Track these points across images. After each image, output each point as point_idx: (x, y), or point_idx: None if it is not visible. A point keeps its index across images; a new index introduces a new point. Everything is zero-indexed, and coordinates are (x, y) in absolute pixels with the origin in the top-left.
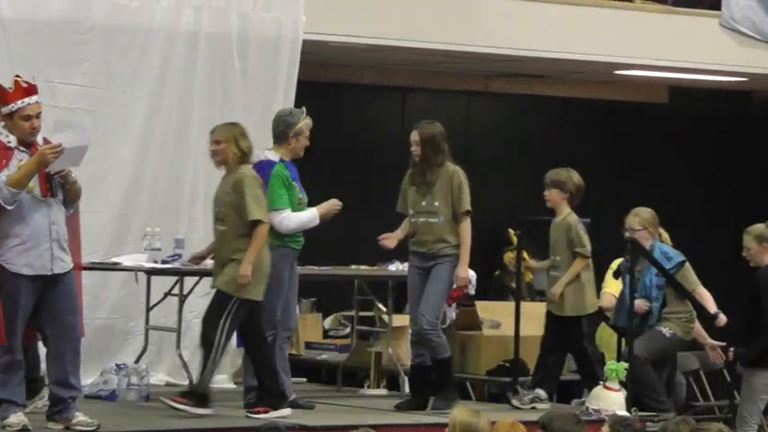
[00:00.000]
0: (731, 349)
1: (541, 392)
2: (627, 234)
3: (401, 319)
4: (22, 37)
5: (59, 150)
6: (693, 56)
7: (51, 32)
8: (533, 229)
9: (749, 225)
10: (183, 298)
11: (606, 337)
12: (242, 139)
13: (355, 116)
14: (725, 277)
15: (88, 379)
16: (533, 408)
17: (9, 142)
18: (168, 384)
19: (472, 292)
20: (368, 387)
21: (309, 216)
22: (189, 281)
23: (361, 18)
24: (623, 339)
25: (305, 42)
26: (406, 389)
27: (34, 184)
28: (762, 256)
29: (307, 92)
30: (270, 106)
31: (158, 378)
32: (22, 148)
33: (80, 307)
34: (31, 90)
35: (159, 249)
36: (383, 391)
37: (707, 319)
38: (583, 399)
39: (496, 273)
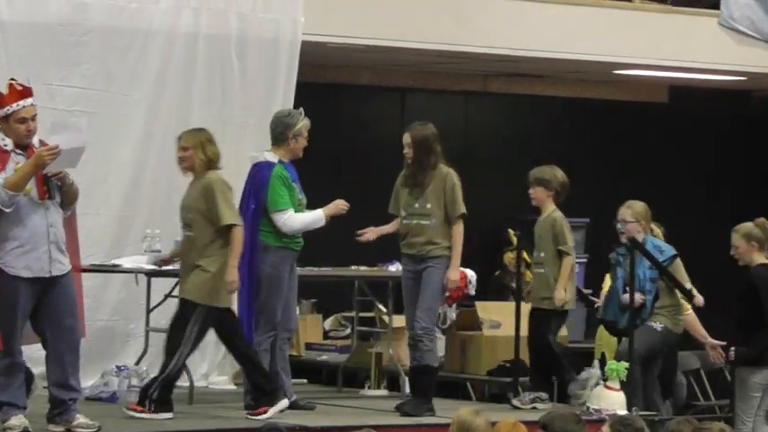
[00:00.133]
0: (732, 349)
1: (542, 393)
2: (618, 226)
3: (401, 320)
4: (20, 39)
5: (56, 152)
6: (693, 55)
7: (50, 34)
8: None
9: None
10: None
11: (606, 336)
12: (209, 146)
13: (354, 117)
14: (725, 277)
15: (89, 381)
16: (534, 408)
17: (5, 145)
18: None
19: (472, 292)
20: (368, 388)
21: (315, 217)
22: None
23: (359, 19)
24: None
25: (303, 43)
26: (407, 389)
27: (31, 186)
28: (750, 255)
29: (306, 93)
30: (269, 107)
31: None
32: (18, 151)
33: (80, 309)
34: (25, 93)
35: (159, 251)
36: (384, 392)
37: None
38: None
39: (496, 273)
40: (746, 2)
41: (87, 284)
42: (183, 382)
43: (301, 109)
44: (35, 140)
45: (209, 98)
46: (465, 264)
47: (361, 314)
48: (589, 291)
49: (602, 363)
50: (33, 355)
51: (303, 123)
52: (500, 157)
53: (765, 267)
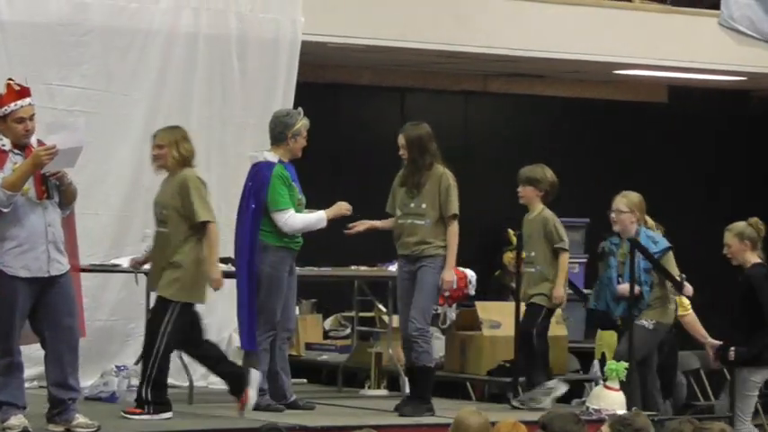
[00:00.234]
0: (732, 349)
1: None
2: (612, 215)
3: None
4: (20, 39)
5: (54, 152)
6: (693, 55)
7: (50, 34)
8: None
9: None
10: None
11: (607, 336)
12: (183, 143)
13: (354, 117)
14: (725, 277)
15: (88, 381)
16: (534, 408)
17: (3, 145)
18: (169, 386)
19: (472, 292)
20: (368, 388)
21: (316, 218)
22: None
23: (359, 19)
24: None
25: (303, 43)
26: (407, 389)
27: (29, 186)
28: (743, 254)
29: (305, 93)
30: (269, 107)
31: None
32: (16, 151)
33: (79, 308)
34: (23, 92)
35: None
36: (384, 392)
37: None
38: (583, 398)
39: (496, 273)
40: (746, 2)
41: (87, 284)
42: (182, 381)
43: (300, 109)
44: (33, 140)
45: (209, 98)
46: (465, 264)
47: (361, 314)
48: (589, 291)
49: (602, 363)
50: (33, 354)
51: (302, 123)
52: (500, 157)
53: (761, 267)
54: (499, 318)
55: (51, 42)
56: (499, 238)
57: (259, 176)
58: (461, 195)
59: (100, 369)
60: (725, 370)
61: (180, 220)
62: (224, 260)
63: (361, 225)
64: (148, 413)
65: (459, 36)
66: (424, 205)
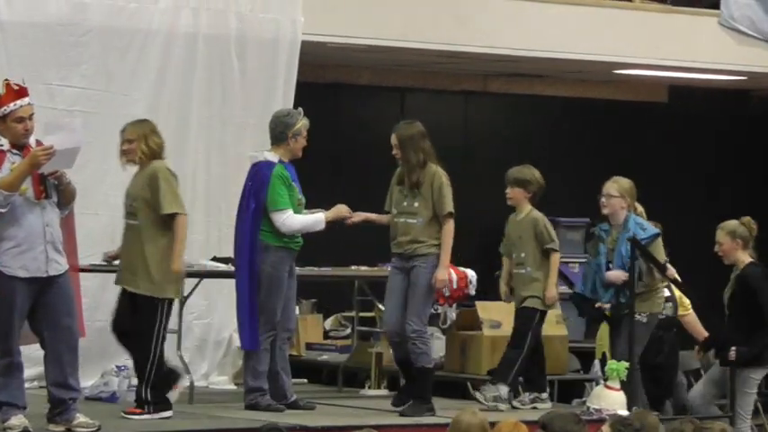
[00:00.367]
0: (733, 348)
1: (543, 394)
2: (603, 200)
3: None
4: (20, 39)
5: (51, 152)
6: (693, 55)
7: (49, 35)
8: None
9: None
10: (183, 299)
11: (607, 336)
12: (152, 136)
13: (354, 117)
14: (725, 277)
15: (89, 381)
16: (534, 408)
17: (1, 145)
18: None
19: (472, 292)
20: (369, 388)
21: (315, 219)
22: (189, 282)
23: (359, 19)
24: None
25: (303, 43)
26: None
27: (27, 186)
28: (734, 253)
29: (305, 92)
30: (269, 107)
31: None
32: (14, 151)
33: (78, 308)
34: (22, 92)
35: None
36: (384, 392)
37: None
38: (584, 398)
39: (496, 273)
40: (746, 2)
41: (86, 284)
42: (183, 382)
43: (300, 109)
44: (32, 140)
45: (208, 98)
46: (465, 264)
47: (362, 314)
48: None
49: (603, 362)
50: (32, 355)
51: (302, 123)
52: (500, 157)
53: (756, 266)
54: (499, 318)
55: (51, 42)
56: (499, 237)
57: (259, 176)
58: (462, 195)
59: (100, 369)
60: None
61: (150, 212)
62: (224, 260)
63: (358, 217)
64: (148, 413)
65: (459, 36)
66: (416, 204)
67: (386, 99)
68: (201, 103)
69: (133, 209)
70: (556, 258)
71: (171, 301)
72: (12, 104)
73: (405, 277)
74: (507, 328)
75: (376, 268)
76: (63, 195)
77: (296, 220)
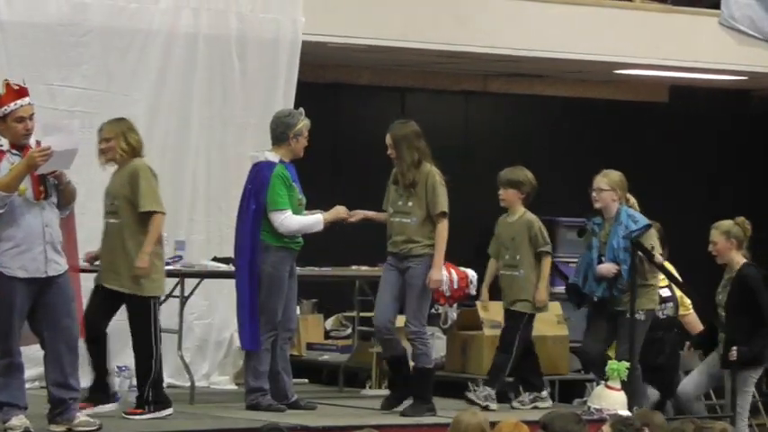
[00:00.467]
0: (734, 348)
1: (543, 393)
2: (594, 194)
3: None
4: (20, 40)
5: (48, 153)
6: (693, 55)
7: (50, 35)
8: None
9: (751, 223)
10: (183, 299)
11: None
12: (130, 134)
13: (354, 117)
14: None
15: (90, 381)
16: (535, 407)
17: (1, 146)
18: (170, 386)
19: (473, 292)
20: (369, 387)
21: (313, 220)
22: (190, 282)
23: (359, 19)
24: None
25: (304, 43)
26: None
27: (26, 186)
28: (728, 253)
29: (306, 92)
30: (269, 107)
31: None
32: (14, 152)
33: (78, 309)
34: (22, 92)
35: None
36: (385, 392)
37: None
38: (585, 398)
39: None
40: (747, 1)
41: (87, 285)
42: (183, 382)
43: (302, 109)
44: (32, 141)
45: (209, 98)
46: (465, 264)
47: (362, 314)
48: None
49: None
50: (33, 355)
51: (304, 123)
52: (500, 157)
53: (752, 267)
54: (500, 318)
55: (51, 43)
56: None
57: (260, 176)
58: (461, 195)
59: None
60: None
61: (132, 209)
62: (225, 260)
63: (357, 215)
64: (150, 412)
65: (460, 36)
66: (410, 203)
67: (386, 99)
68: (202, 103)
69: (114, 207)
70: (548, 262)
71: (157, 299)
72: (12, 104)
73: (399, 275)
74: None
75: (377, 268)
76: (63, 196)
77: (294, 220)
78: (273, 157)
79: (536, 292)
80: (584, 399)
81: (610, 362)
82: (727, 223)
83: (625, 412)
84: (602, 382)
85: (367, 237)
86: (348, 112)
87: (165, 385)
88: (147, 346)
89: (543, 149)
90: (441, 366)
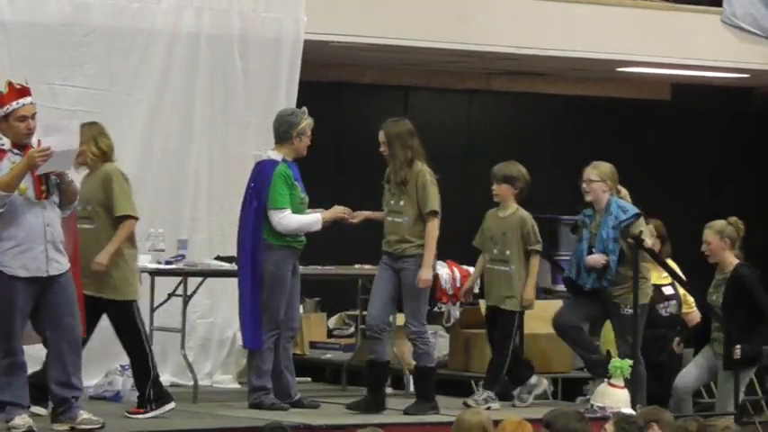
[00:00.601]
0: (737, 347)
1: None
2: (584, 185)
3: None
4: (22, 39)
5: (47, 154)
6: (695, 53)
7: (52, 35)
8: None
9: (752, 222)
10: (186, 298)
11: (610, 334)
12: (101, 138)
13: (357, 115)
14: None
15: (93, 380)
16: (488, 408)
17: (2, 145)
18: (173, 385)
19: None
20: None
21: (312, 220)
22: (192, 281)
23: (362, 17)
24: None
25: (306, 42)
26: (411, 388)
27: (27, 185)
28: (722, 253)
29: (308, 91)
30: (272, 106)
31: (163, 378)
32: (15, 151)
33: (80, 308)
34: (24, 92)
35: (163, 250)
36: (388, 390)
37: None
38: (588, 396)
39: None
40: None
41: None
42: (186, 381)
43: (305, 108)
44: (34, 140)
45: (211, 97)
46: (469, 262)
47: (365, 312)
48: None
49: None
50: (36, 354)
51: (307, 122)
52: (503, 155)
53: (746, 267)
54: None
55: (53, 43)
56: None
57: (262, 175)
58: (464, 193)
59: (104, 368)
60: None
61: (107, 214)
62: (227, 259)
63: (359, 216)
64: (152, 410)
65: (462, 35)
66: (402, 203)
67: (389, 98)
68: (204, 102)
69: (87, 212)
70: (537, 261)
71: (135, 302)
72: (14, 103)
73: (394, 274)
74: None
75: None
76: (65, 195)
77: (293, 219)
78: (276, 155)
79: (524, 291)
80: (588, 397)
81: (613, 359)
82: (720, 223)
83: (628, 410)
84: (606, 379)
85: (370, 235)
86: (351, 111)
87: (164, 381)
88: (138, 347)
89: (546, 147)
90: (444, 365)
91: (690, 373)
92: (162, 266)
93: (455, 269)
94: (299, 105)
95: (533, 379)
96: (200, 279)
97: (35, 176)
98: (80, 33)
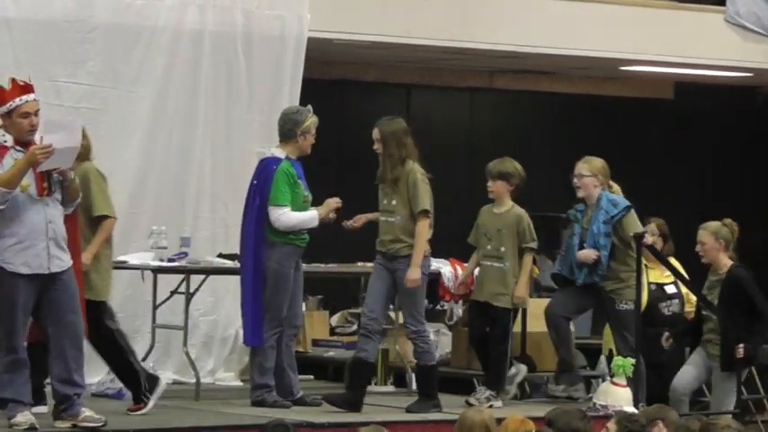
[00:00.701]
0: (741, 346)
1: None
2: (575, 180)
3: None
4: (26, 36)
5: (49, 151)
6: (699, 51)
7: (56, 31)
8: (539, 226)
9: (753, 221)
10: (189, 296)
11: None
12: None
13: (360, 114)
14: None
15: (95, 377)
16: (491, 406)
17: (5, 141)
18: (176, 382)
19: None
20: (375, 384)
21: (309, 216)
22: (195, 279)
23: (365, 16)
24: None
25: (309, 40)
26: (413, 386)
27: (29, 182)
28: (716, 253)
29: (311, 89)
30: (275, 104)
31: (165, 376)
32: (18, 148)
33: (82, 305)
34: (28, 88)
35: (165, 248)
36: (390, 388)
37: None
38: (590, 395)
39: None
40: None
41: None
42: (189, 378)
43: (310, 106)
44: (37, 137)
45: (214, 95)
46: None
47: None
48: None
49: (609, 359)
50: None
51: (311, 121)
52: (505, 154)
53: (741, 268)
54: None
55: (57, 39)
56: None
57: (265, 172)
58: (467, 192)
59: (163, 381)
60: None
61: (84, 214)
62: (230, 256)
63: (359, 221)
64: (149, 400)
65: (465, 33)
66: (394, 202)
67: (392, 96)
68: (207, 99)
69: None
70: (530, 259)
71: (106, 303)
72: (17, 99)
73: (389, 274)
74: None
75: None
76: (68, 192)
77: (291, 216)
78: (280, 153)
79: (515, 288)
80: (590, 395)
81: (615, 358)
82: (715, 224)
83: (631, 409)
84: (608, 378)
85: (372, 234)
86: (354, 109)
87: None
88: (114, 345)
89: (548, 146)
90: (446, 363)
91: (688, 374)
92: (164, 264)
93: (458, 267)
94: (301, 103)
95: (512, 369)
96: (202, 276)
97: (37, 173)
98: (84, 30)
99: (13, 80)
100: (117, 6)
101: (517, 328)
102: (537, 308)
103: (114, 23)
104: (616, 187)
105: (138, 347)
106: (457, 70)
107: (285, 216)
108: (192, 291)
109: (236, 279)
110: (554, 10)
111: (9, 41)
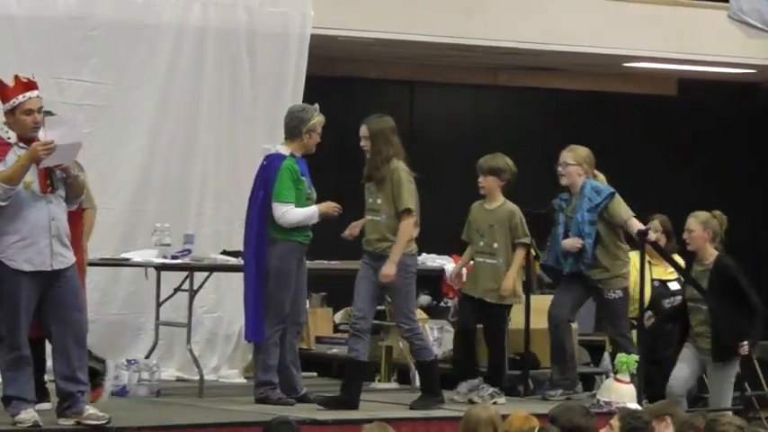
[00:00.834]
0: (744, 343)
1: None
2: (560, 168)
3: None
4: (29, 34)
5: (51, 147)
6: (702, 48)
7: (59, 29)
8: (542, 222)
9: (757, 217)
10: (192, 293)
11: None
12: None
13: (364, 110)
14: None
15: None
16: (494, 403)
17: (9, 138)
18: (179, 379)
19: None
20: (378, 381)
21: (310, 212)
22: (199, 276)
23: (369, 12)
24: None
25: (313, 37)
26: (417, 383)
27: (32, 179)
28: (702, 243)
29: (315, 86)
30: (278, 101)
31: (169, 373)
32: (21, 145)
33: (84, 302)
34: (31, 85)
35: (169, 245)
36: (394, 385)
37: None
38: (594, 391)
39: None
40: None
41: (97, 278)
42: (193, 375)
43: (317, 105)
44: (40, 134)
45: (218, 92)
46: None
47: None
48: None
49: (613, 355)
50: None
51: (317, 119)
52: (509, 151)
53: (727, 257)
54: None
55: (60, 37)
56: None
57: (269, 168)
58: (471, 189)
59: (111, 363)
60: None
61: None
62: (234, 253)
63: (355, 228)
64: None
65: (470, 29)
66: (379, 200)
67: (396, 93)
68: (211, 96)
69: None
70: (522, 254)
71: None
72: (21, 96)
73: (375, 274)
74: (516, 322)
75: None
76: (71, 189)
77: (296, 213)
78: (285, 150)
79: (504, 280)
80: (594, 392)
81: (619, 354)
82: (705, 214)
83: (634, 405)
84: (612, 374)
85: None
86: (357, 106)
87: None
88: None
89: (552, 142)
90: (450, 359)
91: (682, 373)
92: (168, 261)
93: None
94: (305, 100)
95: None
96: (206, 274)
97: (40, 170)
98: (86, 27)
99: (17, 77)
100: (120, 3)
101: (520, 325)
102: (539, 304)
103: (117, 21)
104: (601, 176)
105: (142, 344)
106: (461, 67)
107: (289, 213)
108: (195, 288)
109: (240, 276)
110: (558, 7)
111: (12, 39)
